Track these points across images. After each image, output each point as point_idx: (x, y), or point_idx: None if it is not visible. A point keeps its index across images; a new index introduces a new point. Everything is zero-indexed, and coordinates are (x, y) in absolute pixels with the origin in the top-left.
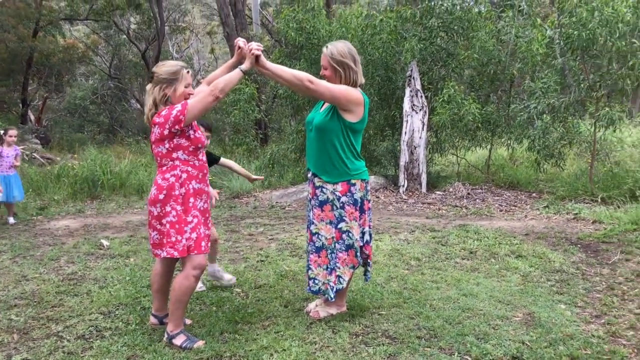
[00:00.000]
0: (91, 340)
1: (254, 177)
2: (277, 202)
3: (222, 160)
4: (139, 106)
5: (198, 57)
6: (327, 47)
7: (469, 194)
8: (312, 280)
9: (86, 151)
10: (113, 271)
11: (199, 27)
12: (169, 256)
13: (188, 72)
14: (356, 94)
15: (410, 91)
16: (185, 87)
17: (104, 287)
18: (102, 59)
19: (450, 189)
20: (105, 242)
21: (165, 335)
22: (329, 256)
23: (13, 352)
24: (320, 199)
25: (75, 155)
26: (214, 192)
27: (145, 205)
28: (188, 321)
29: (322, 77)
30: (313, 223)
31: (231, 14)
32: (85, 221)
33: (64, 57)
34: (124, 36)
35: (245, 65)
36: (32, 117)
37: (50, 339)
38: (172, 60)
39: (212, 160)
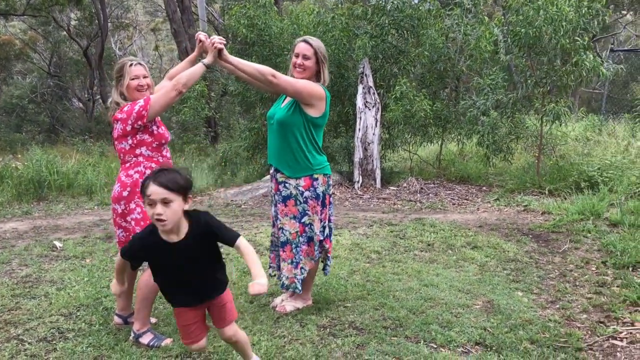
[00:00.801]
0: (54, 342)
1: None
2: (232, 200)
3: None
4: (81, 105)
5: (142, 54)
6: (307, 39)
7: (422, 188)
8: (277, 277)
9: (30, 151)
10: (70, 272)
11: (142, 24)
12: None
13: (132, 64)
14: (318, 88)
15: (363, 88)
16: (132, 79)
17: (62, 289)
18: (40, 56)
19: (404, 184)
20: (58, 244)
21: (132, 335)
22: (294, 250)
23: None
24: (283, 194)
25: (18, 156)
26: None
27: (96, 205)
28: (153, 320)
29: (296, 67)
30: (278, 218)
31: (178, 10)
32: (34, 223)
33: None
34: (64, 33)
35: (207, 59)
36: None
37: (10, 343)
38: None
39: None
